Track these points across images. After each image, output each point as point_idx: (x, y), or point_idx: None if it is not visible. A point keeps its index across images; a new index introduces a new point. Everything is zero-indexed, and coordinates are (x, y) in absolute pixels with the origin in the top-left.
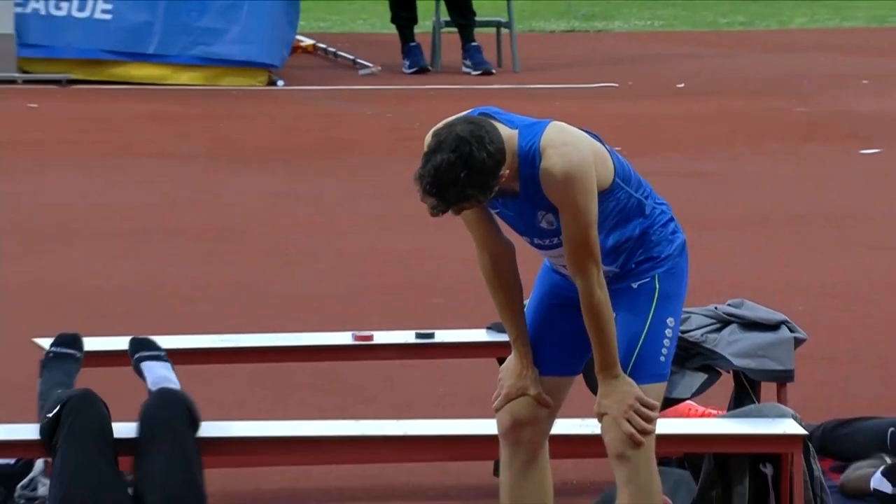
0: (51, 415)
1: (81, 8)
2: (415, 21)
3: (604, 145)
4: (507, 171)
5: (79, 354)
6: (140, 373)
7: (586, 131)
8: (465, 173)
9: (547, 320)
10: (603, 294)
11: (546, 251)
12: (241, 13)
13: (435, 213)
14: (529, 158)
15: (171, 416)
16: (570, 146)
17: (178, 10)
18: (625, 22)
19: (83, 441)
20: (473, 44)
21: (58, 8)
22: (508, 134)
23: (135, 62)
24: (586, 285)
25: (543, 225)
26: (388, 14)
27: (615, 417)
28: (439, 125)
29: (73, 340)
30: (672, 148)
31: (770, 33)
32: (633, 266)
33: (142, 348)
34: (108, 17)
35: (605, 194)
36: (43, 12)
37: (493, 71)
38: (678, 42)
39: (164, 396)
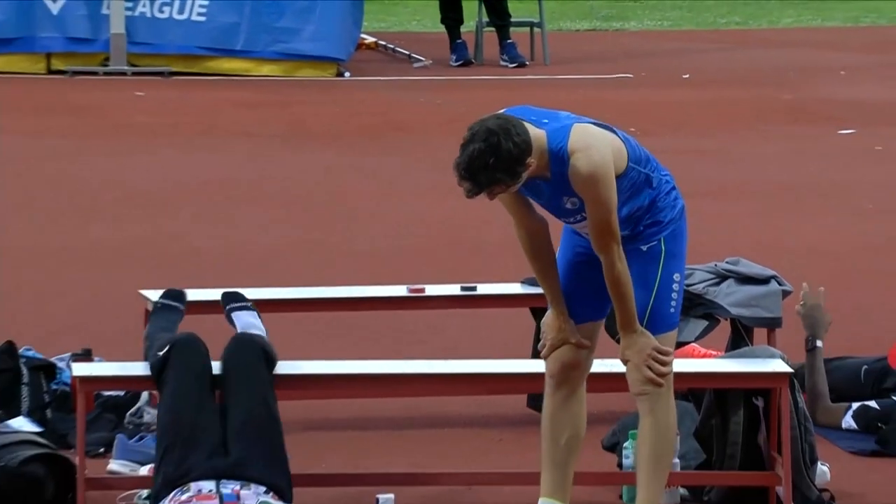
0: (161, 353)
1: (181, 11)
2: (461, 22)
3: (617, 134)
4: (534, 162)
5: (182, 308)
6: (231, 321)
7: (602, 124)
8: (493, 160)
9: (575, 277)
10: (622, 266)
11: (571, 224)
12: (314, 14)
13: (470, 196)
14: (559, 158)
15: (245, 357)
16: (593, 149)
17: (260, 12)
18: (638, 22)
19: (188, 376)
20: (509, 41)
21: (161, 11)
22: (537, 133)
23: (224, 57)
24: (609, 260)
25: (568, 206)
26: (438, 16)
27: (637, 365)
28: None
29: (179, 295)
30: (678, 129)
31: (762, 31)
32: (642, 229)
33: (232, 300)
34: (202, 18)
35: (620, 177)
36: (149, 15)
37: (527, 63)
38: (683, 39)
39: (240, 341)
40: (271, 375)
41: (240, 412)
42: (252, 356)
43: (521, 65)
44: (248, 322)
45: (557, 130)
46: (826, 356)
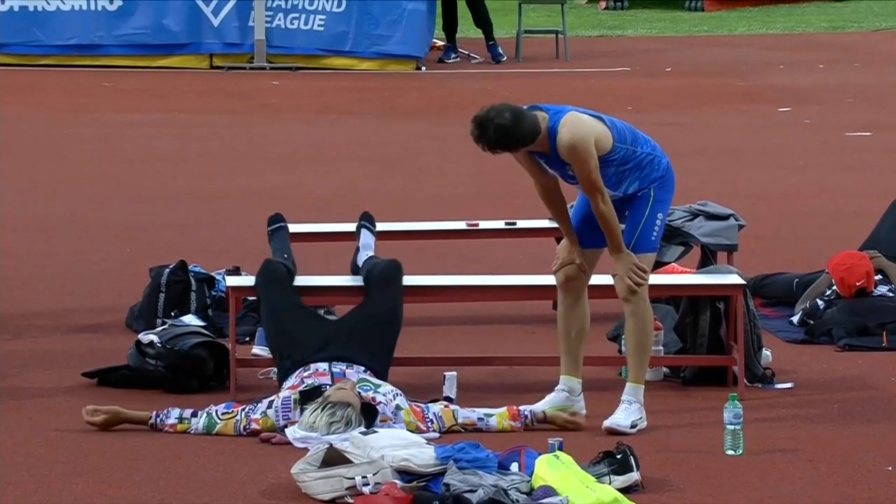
0: (253, 280)
1: (306, 23)
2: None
3: (605, 122)
4: (524, 149)
5: (284, 223)
6: (358, 232)
7: (595, 114)
8: (497, 133)
9: (585, 217)
10: (606, 207)
11: (574, 186)
12: (401, 24)
13: (484, 150)
14: (552, 134)
15: (388, 274)
16: (574, 126)
17: (363, 23)
18: (634, 31)
19: (271, 290)
20: (491, 42)
21: (292, 23)
22: (543, 116)
23: (335, 56)
24: (595, 203)
25: (571, 172)
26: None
27: (621, 276)
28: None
29: (277, 217)
30: (663, 107)
31: (723, 37)
32: (632, 191)
33: (367, 220)
34: (321, 28)
35: (608, 153)
36: (283, 26)
37: (500, 61)
38: (667, 43)
39: (389, 263)
40: (402, 290)
41: (361, 315)
42: (393, 276)
43: (498, 62)
44: (367, 242)
45: (556, 115)
46: (765, 273)
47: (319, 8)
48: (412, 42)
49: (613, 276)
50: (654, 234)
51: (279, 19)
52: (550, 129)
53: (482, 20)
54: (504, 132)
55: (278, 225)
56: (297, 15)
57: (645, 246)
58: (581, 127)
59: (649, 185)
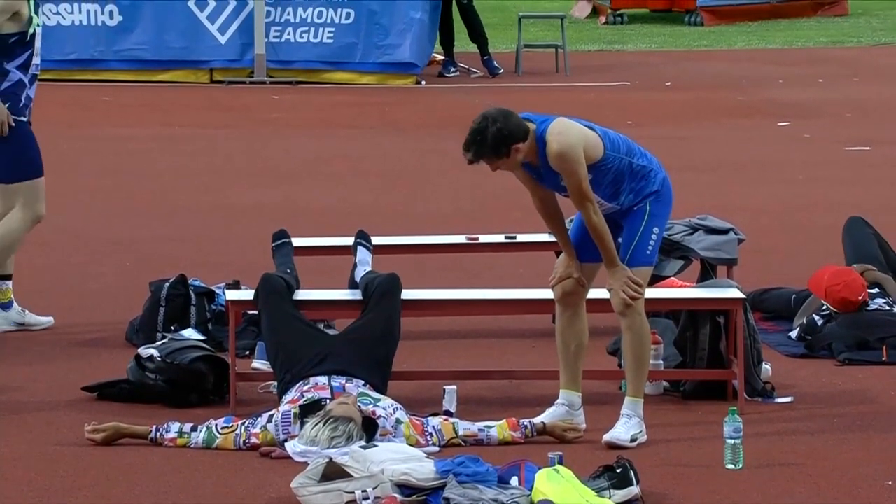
0: (252, 294)
1: (315, 35)
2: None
3: (596, 130)
4: (522, 148)
5: (288, 239)
6: (355, 250)
7: (585, 123)
8: (481, 139)
9: (583, 230)
10: (598, 218)
11: (567, 196)
12: (409, 34)
13: (470, 163)
14: (541, 143)
15: (387, 288)
16: (563, 134)
17: (371, 33)
18: (634, 45)
19: (271, 304)
20: (486, 57)
21: (301, 37)
22: (531, 126)
23: (336, 70)
24: (586, 214)
25: (563, 183)
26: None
27: (616, 290)
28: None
29: (282, 233)
30: (663, 121)
31: (723, 51)
32: (632, 197)
33: (362, 238)
34: (331, 40)
35: (600, 162)
36: (293, 41)
37: (498, 74)
38: (667, 57)
39: (390, 277)
40: (400, 304)
41: (360, 328)
42: (392, 289)
43: (481, 76)
44: (363, 258)
45: (543, 123)
46: (764, 287)
47: (328, 20)
48: (417, 52)
49: (609, 290)
50: (650, 248)
51: (289, 34)
52: (538, 138)
53: (477, 35)
54: (498, 131)
55: (282, 241)
56: (306, 28)
57: (640, 260)
58: (569, 134)
59: (645, 199)
